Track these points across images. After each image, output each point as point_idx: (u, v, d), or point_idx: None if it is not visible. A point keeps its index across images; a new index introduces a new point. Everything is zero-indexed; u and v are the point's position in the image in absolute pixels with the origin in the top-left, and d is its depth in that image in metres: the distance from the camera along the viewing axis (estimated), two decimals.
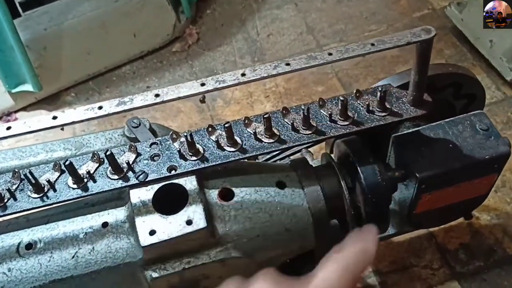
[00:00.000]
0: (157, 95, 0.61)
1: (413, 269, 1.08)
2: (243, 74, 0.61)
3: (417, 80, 0.66)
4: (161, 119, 1.42)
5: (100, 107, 0.61)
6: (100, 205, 0.70)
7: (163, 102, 0.61)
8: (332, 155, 0.79)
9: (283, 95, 1.44)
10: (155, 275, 0.64)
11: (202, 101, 1.46)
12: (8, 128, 0.60)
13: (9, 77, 1.46)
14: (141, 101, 0.61)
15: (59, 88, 1.56)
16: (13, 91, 1.48)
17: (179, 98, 0.61)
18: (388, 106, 0.70)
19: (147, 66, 1.60)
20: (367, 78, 1.45)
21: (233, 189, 0.68)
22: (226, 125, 0.67)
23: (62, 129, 0.58)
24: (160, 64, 1.60)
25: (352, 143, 0.74)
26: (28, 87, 1.47)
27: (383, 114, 0.69)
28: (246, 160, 0.72)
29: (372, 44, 0.61)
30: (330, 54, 0.61)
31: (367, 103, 0.70)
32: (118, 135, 0.82)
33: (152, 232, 0.63)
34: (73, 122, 0.60)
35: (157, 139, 0.72)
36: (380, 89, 0.68)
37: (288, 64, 0.61)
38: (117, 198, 0.70)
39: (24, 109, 1.53)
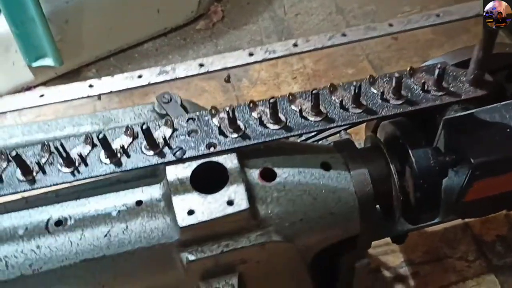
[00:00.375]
0: (201, 65, 0.57)
1: (447, 260, 1.03)
2: (295, 45, 0.57)
3: (480, 57, 0.61)
4: None
5: (140, 76, 0.57)
6: (133, 182, 0.66)
7: (208, 72, 0.56)
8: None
9: (311, 76, 1.39)
10: (191, 257, 0.60)
11: (227, 80, 1.40)
12: (41, 95, 0.56)
13: (29, 50, 1.42)
14: (184, 70, 0.57)
15: (80, 64, 1.51)
16: (34, 65, 1.43)
17: (225, 68, 0.57)
18: (445, 85, 0.65)
19: (170, 43, 1.55)
20: (399, 62, 1.38)
21: (275, 169, 0.64)
22: (271, 101, 0.62)
23: (99, 98, 0.54)
24: (183, 41, 1.55)
25: (401, 125, 0.69)
26: (48, 61, 1.42)
27: (440, 93, 0.65)
28: (287, 140, 0.67)
29: (438, 15, 0.56)
30: (391, 25, 0.56)
31: (422, 81, 0.65)
32: (148, 110, 0.78)
33: (191, 212, 0.59)
34: (111, 92, 0.56)
35: (194, 114, 0.67)
36: (438, 66, 0.63)
37: (344, 35, 0.56)
38: (151, 175, 0.67)
39: (43, 84, 1.49)
